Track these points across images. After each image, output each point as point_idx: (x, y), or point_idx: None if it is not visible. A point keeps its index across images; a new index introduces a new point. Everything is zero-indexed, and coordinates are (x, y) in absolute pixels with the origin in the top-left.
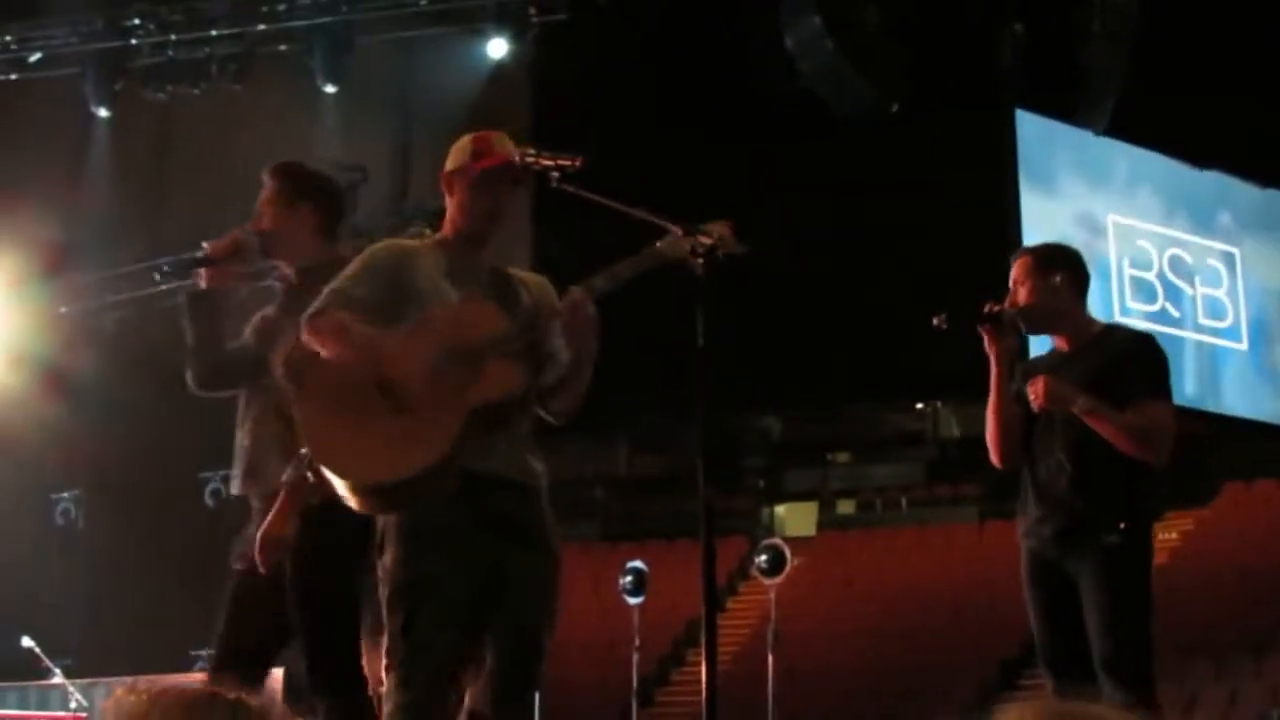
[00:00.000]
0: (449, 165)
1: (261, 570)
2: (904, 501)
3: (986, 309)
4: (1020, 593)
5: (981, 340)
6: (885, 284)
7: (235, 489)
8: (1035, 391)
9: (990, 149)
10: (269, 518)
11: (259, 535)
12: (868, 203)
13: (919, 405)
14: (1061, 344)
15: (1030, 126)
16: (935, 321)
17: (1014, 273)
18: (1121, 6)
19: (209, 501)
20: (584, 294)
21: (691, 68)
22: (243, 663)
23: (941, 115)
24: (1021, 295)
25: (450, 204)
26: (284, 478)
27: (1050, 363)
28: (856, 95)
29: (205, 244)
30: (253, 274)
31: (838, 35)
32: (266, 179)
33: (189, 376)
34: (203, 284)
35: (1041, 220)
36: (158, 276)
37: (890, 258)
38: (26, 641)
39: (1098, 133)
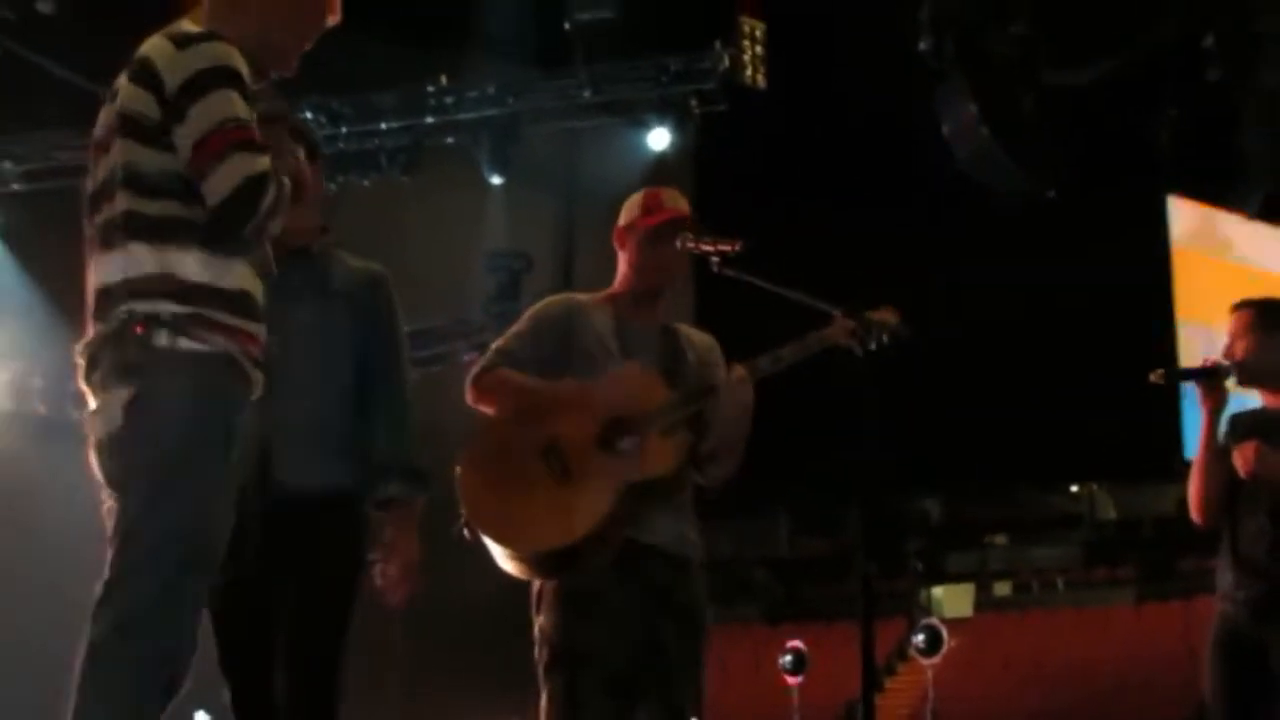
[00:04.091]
0: (621, 221)
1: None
2: (1061, 583)
3: (1205, 362)
4: (1177, 675)
5: (1136, 423)
6: (1042, 366)
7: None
8: (1245, 458)
9: (1145, 232)
10: (406, 543)
11: (408, 567)
12: (1025, 286)
13: (1075, 488)
14: (1274, 401)
15: (1182, 210)
16: (1153, 378)
17: (1232, 326)
18: (1274, 93)
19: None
20: (745, 373)
21: (849, 153)
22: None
23: (1098, 199)
24: (1239, 349)
25: (621, 259)
26: (394, 492)
27: (1260, 421)
28: (1012, 181)
29: None
30: None
31: (992, 122)
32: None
33: None
34: None
35: (1194, 301)
36: None
37: (1048, 339)
38: (201, 716)
39: (1251, 215)
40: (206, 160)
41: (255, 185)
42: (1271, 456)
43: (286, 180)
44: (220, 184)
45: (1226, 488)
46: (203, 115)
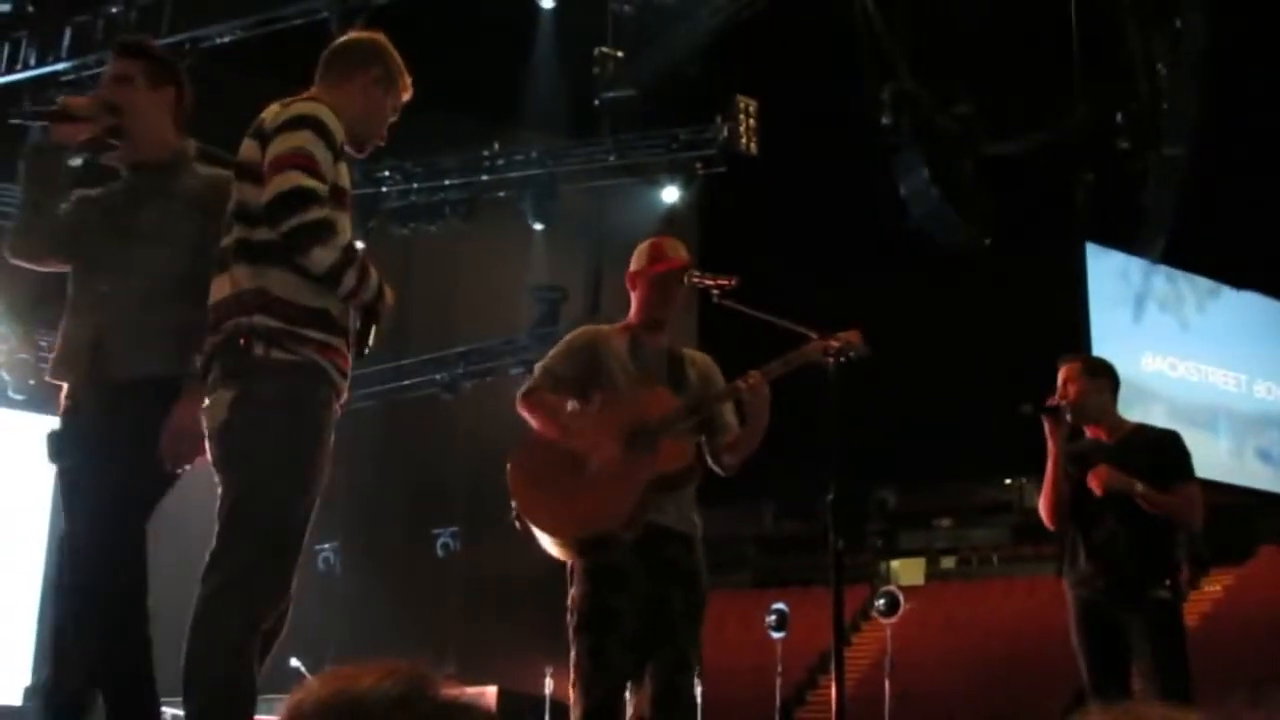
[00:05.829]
0: (632, 266)
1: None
2: (995, 559)
3: (1048, 402)
4: None
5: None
6: (980, 382)
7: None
8: (1099, 478)
9: (1066, 274)
10: (184, 413)
11: (181, 436)
12: (968, 318)
13: (1007, 480)
14: (1099, 434)
15: (1097, 256)
16: (1023, 408)
17: (1063, 374)
18: (1173, 161)
19: (439, 553)
20: (761, 377)
21: (823, 207)
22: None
23: (1026, 247)
24: (1070, 393)
25: (634, 297)
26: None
27: (1093, 449)
28: (957, 232)
29: (63, 98)
30: (88, 144)
31: (942, 184)
32: (125, 60)
33: (10, 242)
34: (50, 138)
35: (1105, 330)
36: (16, 121)
37: (985, 361)
38: (294, 662)
39: (1153, 260)
40: (271, 173)
41: (299, 195)
42: (1120, 476)
43: (371, 269)
44: (272, 188)
45: (1071, 498)
46: (280, 144)
